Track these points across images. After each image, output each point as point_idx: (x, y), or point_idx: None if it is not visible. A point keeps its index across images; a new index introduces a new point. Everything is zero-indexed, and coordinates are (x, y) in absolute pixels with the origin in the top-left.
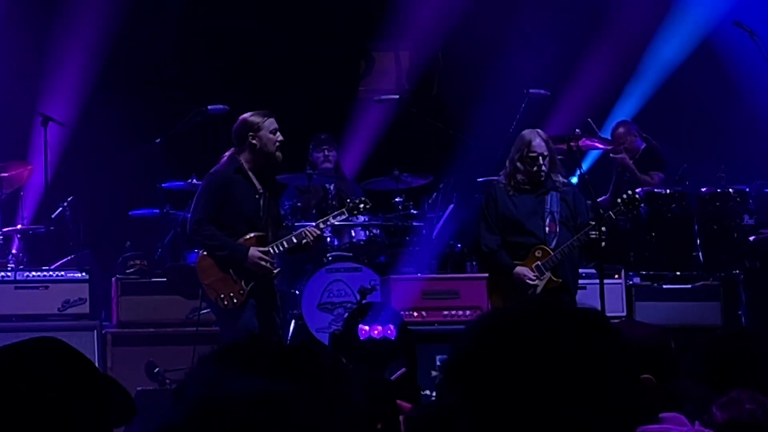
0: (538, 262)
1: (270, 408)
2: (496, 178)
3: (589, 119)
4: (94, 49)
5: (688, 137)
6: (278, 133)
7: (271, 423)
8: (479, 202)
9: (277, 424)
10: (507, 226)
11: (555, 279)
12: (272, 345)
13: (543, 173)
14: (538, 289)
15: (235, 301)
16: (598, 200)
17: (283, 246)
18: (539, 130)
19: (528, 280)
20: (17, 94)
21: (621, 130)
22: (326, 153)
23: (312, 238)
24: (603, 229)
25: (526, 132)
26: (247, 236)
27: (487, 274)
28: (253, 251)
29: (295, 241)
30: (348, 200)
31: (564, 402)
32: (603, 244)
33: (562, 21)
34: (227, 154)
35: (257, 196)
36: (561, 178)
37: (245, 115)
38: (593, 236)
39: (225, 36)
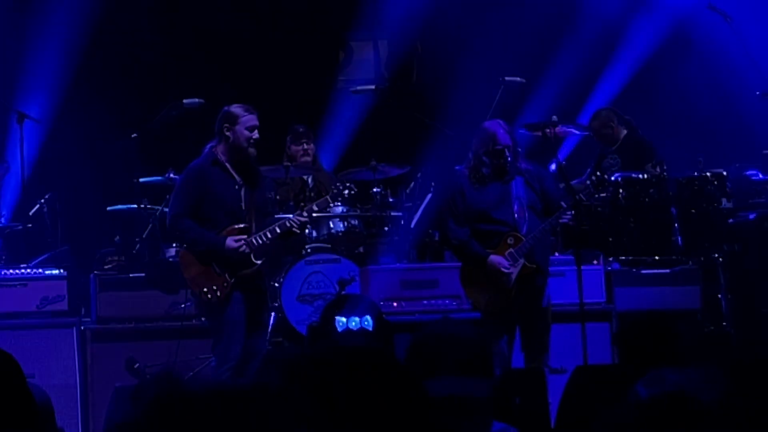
0: (511, 249)
1: (227, 404)
2: (458, 168)
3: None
4: (69, 45)
5: (664, 122)
6: (255, 132)
7: (228, 419)
8: (444, 193)
9: (235, 420)
10: (477, 216)
11: (529, 265)
12: None
13: (508, 164)
14: (513, 276)
15: (218, 294)
16: (572, 183)
17: (266, 236)
18: (501, 121)
19: (503, 269)
20: None
21: (595, 123)
22: (305, 146)
23: (297, 225)
24: (572, 213)
25: (489, 125)
26: (229, 228)
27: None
28: (229, 241)
29: (278, 231)
30: (332, 187)
31: None
32: (573, 223)
33: (538, 8)
34: (209, 145)
35: (237, 187)
36: (525, 164)
37: (228, 106)
38: (566, 221)
39: (201, 28)
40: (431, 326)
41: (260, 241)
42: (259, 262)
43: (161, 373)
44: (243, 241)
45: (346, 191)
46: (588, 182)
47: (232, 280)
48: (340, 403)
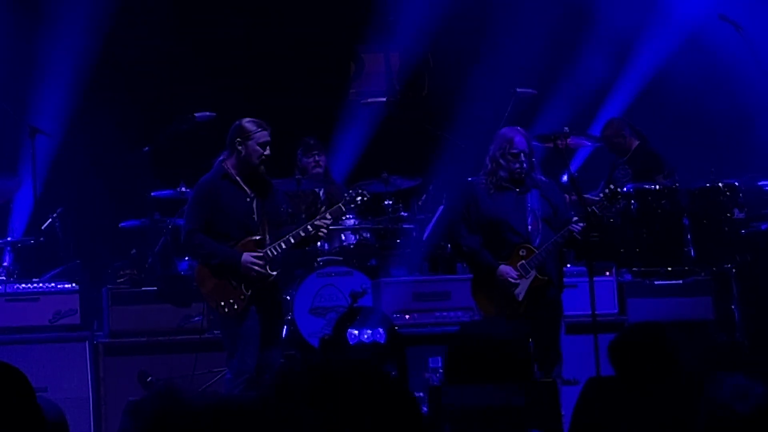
0: (523, 261)
1: (226, 419)
2: (473, 178)
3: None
4: (80, 59)
5: (676, 132)
6: (267, 148)
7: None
8: (455, 202)
9: None
10: (490, 225)
11: (541, 277)
12: None
13: (524, 171)
14: (523, 288)
15: (236, 307)
16: (586, 196)
17: (281, 247)
18: (519, 128)
19: (511, 279)
20: (4, 107)
21: (608, 132)
22: (316, 158)
23: (324, 228)
24: (583, 225)
25: (506, 130)
26: (244, 241)
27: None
28: (246, 256)
29: (293, 241)
30: (345, 194)
31: None
32: (580, 238)
33: (550, 19)
34: (218, 159)
35: (248, 200)
36: (540, 176)
37: (242, 120)
38: (576, 231)
39: (212, 41)
40: (466, 329)
41: (275, 252)
42: (274, 273)
43: (161, 388)
44: (258, 261)
45: (359, 198)
46: (601, 195)
47: (249, 293)
48: (334, 416)
